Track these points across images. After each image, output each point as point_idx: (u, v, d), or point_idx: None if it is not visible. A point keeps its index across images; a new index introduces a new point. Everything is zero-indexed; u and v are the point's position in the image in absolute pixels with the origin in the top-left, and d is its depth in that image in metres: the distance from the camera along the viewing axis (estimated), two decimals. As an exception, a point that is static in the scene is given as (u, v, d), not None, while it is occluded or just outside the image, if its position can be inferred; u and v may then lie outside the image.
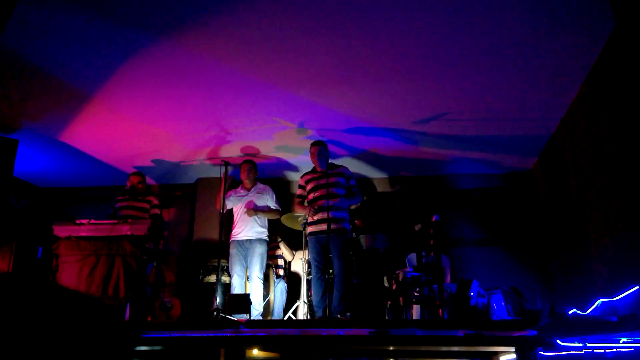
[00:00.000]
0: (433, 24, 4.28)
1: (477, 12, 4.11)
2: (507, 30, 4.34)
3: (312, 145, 5.56)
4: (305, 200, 5.55)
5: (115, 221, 5.44)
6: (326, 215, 5.13)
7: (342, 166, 5.59)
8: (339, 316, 4.99)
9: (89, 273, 5.09)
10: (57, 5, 4.06)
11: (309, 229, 5.44)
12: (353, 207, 5.88)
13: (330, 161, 5.57)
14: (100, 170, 7.64)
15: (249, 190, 6.04)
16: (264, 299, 5.75)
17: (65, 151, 6.94)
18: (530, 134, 6.33)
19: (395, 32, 4.41)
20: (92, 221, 5.37)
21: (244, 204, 5.94)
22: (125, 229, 5.31)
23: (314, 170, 5.51)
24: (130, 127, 6.32)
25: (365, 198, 6.76)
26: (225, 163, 5.83)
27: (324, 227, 5.17)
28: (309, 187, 5.50)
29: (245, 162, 6.10)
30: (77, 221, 5.37)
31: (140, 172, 6.55)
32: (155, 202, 6.29)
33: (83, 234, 5.31)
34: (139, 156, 7.23)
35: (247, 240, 5.77)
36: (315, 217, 5.32)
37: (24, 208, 7.25)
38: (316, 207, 5.27)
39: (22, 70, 5.01)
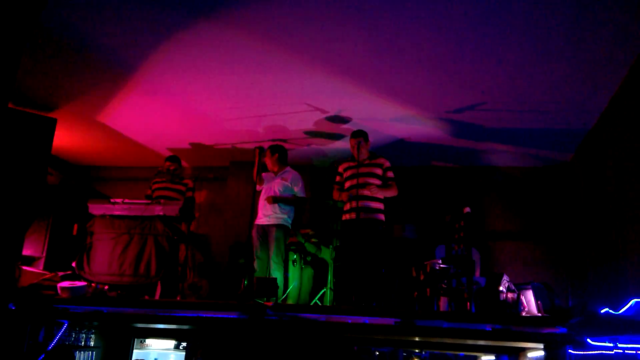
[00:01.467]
0: (471, 14, 4.19)
1: (517, 3, 4.00)
2: (547, 21, 4.21)
3: (351, 136, 5.50)
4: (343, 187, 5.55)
5: (149, 201, 5.52)
6: (357, 203, 5.12)
7: (382, 157, 5.53)
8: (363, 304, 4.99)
9: (122, 251, 5.20)
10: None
11: (343, 217, 5.44)
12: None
13: (371, 151, 5.53)
14: (135, 150, 7.78)
15: (275, 176, 6.03)
16: (282, 283, 5.77)
17: (102, 131, 7.08)
18: (568, 126, 6.17)
19: (432, 21, 4.33)
20: (126, 200, 5.47)
21: (267, 190, 5.95)
22: (158, 210, 5.39)
23: (352, 159, 5.48)
24: (166, 109, 6.40)
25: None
26: (260, 148, 5.82)
27: (356, 217, 5.17)
28: (345, 175, 5.50)
29: (269, 148, 6.03)
30: (112, 200, 5.47)
31: (176, 156, 6.63)
32: (191, 185, 6.35)
33: (117, 212, 5.41)
34: (173, 138, 7.34)
35: (266, 225, 5.79)
36: (348, 206, 5.33)
37: (60, 185, 7.42)
38: (350, 196, 5.26)
39: (61, 50, 5.11)
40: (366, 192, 5.23)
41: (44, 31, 4.76)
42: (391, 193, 5.41)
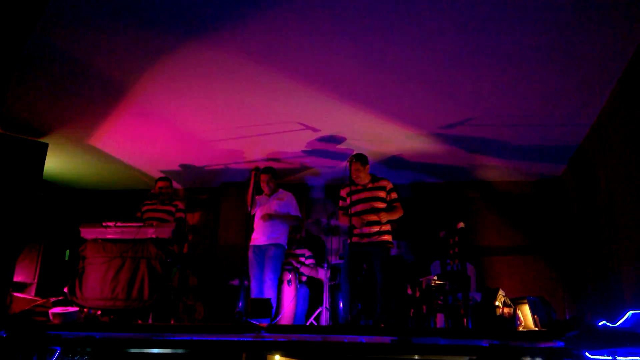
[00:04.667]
0: (461, 29, 4.23)
1: (507, 19, 4.05)
2: (536, 35, 4.26)
3: (351, 161, 5.47)
4: (349, 212, 5.55)
5: (141, 224, 5.49)
6: (367, 229, 5.20)
7: (383, 179, 5.55)
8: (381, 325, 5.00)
9: (114, 275, 5.15)
10: (86, 10, 4.13)
11: (352, 240, 5.43)
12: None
13: (372, 173, 5.56)
14: (127, 173, 7.76)
15: (269, 197, 6.05)
16: (276, 303, 5.74)
17: (94, 154, 7.06)
18: (559, 140, 6.21)
19: (423, 37, 4.36)
20: (119, 224, 5.44)
21: (263, 210, 5.96)
22: (151, 232, 5.36)
23: (353, 182, 5.48)
24: (158, 131, 6.40)
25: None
26: (256, 169, 5.84)
27: (364, 240, 5.21)
28: (349, 200, 5.48)
29: (263, 171, 6.04)
30: (104, 223, 5.44)
31: (167, 176, 6.62)
32: (181, 206, 6.34)
33: (109, 236, 5.37)
34: (165, 160, 7.32)
35: (263, 245, 5.79)
36: (358, 230, 5.33)
37: (52, 211, 7.38)
38: (361, 221, 5.28)
39: (51, 74, 5.11)
40: (373, 218, 5.24)
41: (33, 56, 4.77)
42: (398, 215, 5.43)
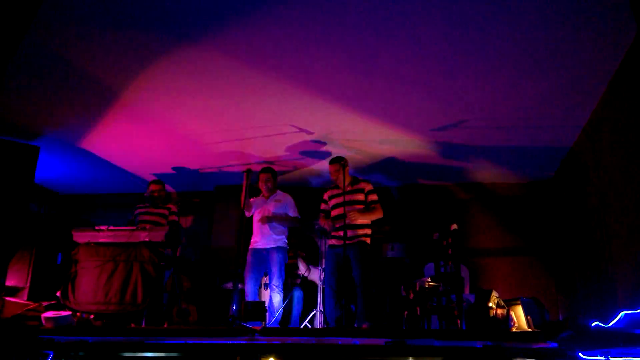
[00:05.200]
0: (451, 32, 4.25)
1: (496, 21, 4.08)
2: (526, 38, 4.28)
3: (330, 163, 5.58)
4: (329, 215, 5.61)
5: (134, 227, 5.47)
6: (344, 231, 5.18)
7: (363, 181, 5.61)
8: (362, 326, 4.98)
9: (107, 279, 5.12)
10: (78, 13, 4.12)
11: (329, 242, 5.49)
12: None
13: (353, 175, 5.60)
14: (120, 177, 7.73)
15: (267, 198, 6.03)
16: (281, 306, 5.73)
17: (86, 158, 7.02)
18: (551, 142, 6.25)
19: (413, 40, 4.38)
20: (111, 227, 5.41)
21: (262, 212, 5.94)
22: (144, 236, 5.34)
23: (336, 186, 5.53)
24: (151, 134, 6.38)
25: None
26: (248, 171, 5.81)
27: (340, 241, 5.21)
28: (331, 203, 5.57)
29: (262, 171, 6.06)
30: (97, 227, 5.42)
31: (160, 180, 6.60)
32: (174, 209, 6.33)
33: (102, 240, 5.35)
34: (158, 163, 7.30)
35: (264, 249, 5.76)
36: (335, 233, 5.35)
37: (44, 214, 7.34)
38: (336, 225, 5.34)
39: (43, 77, 5.08)
40: (347, 220, 5.27)
41: (26, 61, 4.75)
42: (375, 216, 5.45)
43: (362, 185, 5.56)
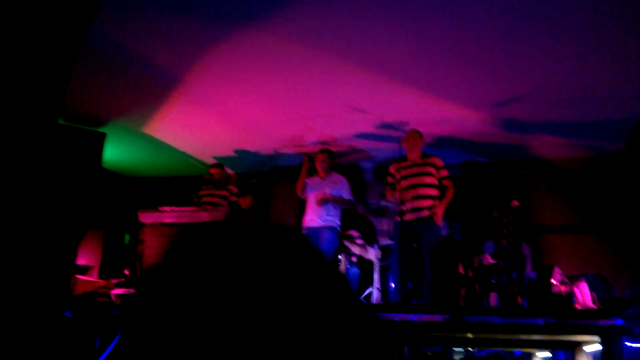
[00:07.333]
0: (513, 7, 4.09)
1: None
2: (593, 8, 4.06)
3: (408, 132, 5.54)
4: (397, 187, 5.56)
5: (195, 208, 5.64)
6: (415, 204, 5.17)
7: (434, 156, 5.53)
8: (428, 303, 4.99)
9: (171, 258, 5.33)
10: (139, 2, 4.25)
11: (397, 218, 5.45)
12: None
13: (423, 149, 5.54)
14: (181, 160, 7.98)
15: (323, 179, 6.08)
16: None
17: (150, 143, 7.29)
18: (619, 114, 5.94)
19: (474, 16, 4.25)
20: (174, 208, 5.60)
21: (317, 192, 6.00)
22: (205, 216, 5.49)
23: (404, 159, 5.47)
24: (210, 118, 6.54)
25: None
26: (308, 155, 5.91)
27: (411, 216, 5.17)
28: (398, 176, 5.50)
29: (320, 152, 6.12)
30: (161, 208, 5.62)
31: (220, 163, 6.78)
32: (235, 190, 6.51)
33: (166, 220, 5.54)
34: (218, 146, 7.48)
35: (317, 227, 5.83)
36: (405, 207, 5.32)
37: (112, 197, 7.68)
38: (406, 196, 5.26)
39: (107, 67, 5.30)
40: (426, 192, 5.21)
41: (90, 51, 4.95)
42: (450, 196, 5.38)
43: (434, 159, 5.47)
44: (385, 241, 6.40)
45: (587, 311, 4.01)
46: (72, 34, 3.86)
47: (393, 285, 5.34)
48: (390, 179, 5.61)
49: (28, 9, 3.19)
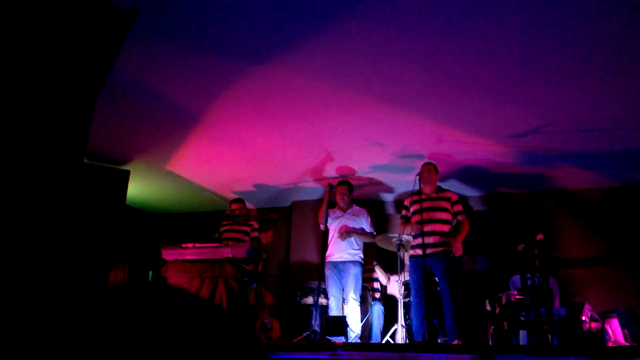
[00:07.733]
0: (528, 34, 4.10)
1: (582, 17, 3.86)
2: (616, 38, 4.05)
3: (423, 165, 5.55)
4: (411, 221, 5.56)
5: (218, 244, 5.66)
6: (427, 239, 5.13)
7: (449, 191, 5.54)
8: (453, 342, 4.89)
9: (194, 295, 5.32)
10: (158, 43, 4.35)
11: (410, 252, 5.43)
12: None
13: (438, 184, 5.54)
14: (203, 195, 8.05)
15: (344, 212, 6.08)
16: (361, 321, 5.71)
17: (171, 179, 7.38)
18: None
19: (489, 45, 4.27)
20: (197, 245, 5.62)
21: (339, 225, 5.99)
22: (227, 252, 5.50)
23: (419, 192, 5.47)
24: (230, 153, 6.60)
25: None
26: (329, 185, 5.93)
27: (426, 250, 5.13)
28: (412, 209, 5.49)
29: (340, 184, 6.15)
30: (183, 245, 5.65)
31: (241, 198, 6.83)
32: (256, 225, 6.52)
33: (189, 257, 5.56)
34: (238, 181, 7.53)
35: (341, 262, 5.80)
36: (416, 241, 5.30)
37: (135, 233, 7.75)
38: (418, 229, 5.24)
39: (129, 105, 5.39)
40: (439, 227, 5.21)
41: (111, 88, 5.05)
42: (466, 230, 5.36)
43: (449, 194, 5.48)
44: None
45: (620, 348, 3.90)
46: (94, 74, 3.97)
47: (413, 322, 5.27)
48: (404, 212, 5.62)
49: (51, 50, 3.28)
